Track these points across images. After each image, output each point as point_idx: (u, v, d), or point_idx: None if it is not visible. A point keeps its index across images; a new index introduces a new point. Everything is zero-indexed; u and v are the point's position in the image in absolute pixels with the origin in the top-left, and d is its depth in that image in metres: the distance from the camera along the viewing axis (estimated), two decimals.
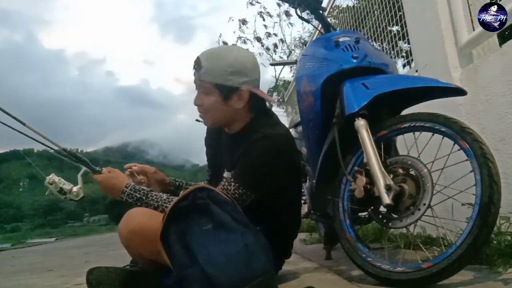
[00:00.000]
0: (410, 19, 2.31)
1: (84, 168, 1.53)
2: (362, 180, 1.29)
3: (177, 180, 1.80)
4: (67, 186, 1.49)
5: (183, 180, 1.83)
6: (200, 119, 1.70)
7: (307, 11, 1.75)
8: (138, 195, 1.44)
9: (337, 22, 3.94)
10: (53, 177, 1.48)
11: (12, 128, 1.42)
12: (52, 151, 1.52)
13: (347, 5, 3.77)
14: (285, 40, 10.86)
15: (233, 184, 1.40)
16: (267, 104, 1.68)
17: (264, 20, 10.83)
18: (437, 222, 1.27)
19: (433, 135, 1.32)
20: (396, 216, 1.26)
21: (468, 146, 1.17)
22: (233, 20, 10.98)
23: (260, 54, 10.60)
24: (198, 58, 1.49)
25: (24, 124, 1.42)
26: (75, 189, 1.50)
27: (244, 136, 1.49)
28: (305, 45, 8.03)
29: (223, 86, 1.46)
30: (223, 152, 1.61)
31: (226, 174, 1.50)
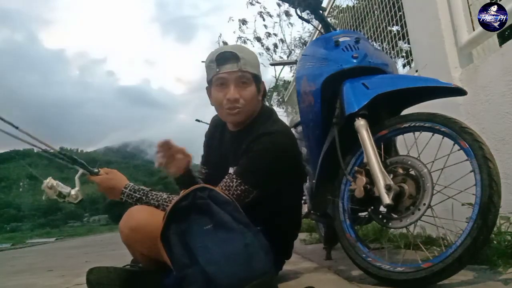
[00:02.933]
0: (410, 19, 2.31)
1: (81, 171, 1.51)
2: (362, 180, 1.29)
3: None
4: (65, 189, 1.47)
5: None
6: (200, 119, 1.69)
7: (307, 11, 1.75)
8: (138, 196, 1.44)
9: (337, 22, 3.94)
10: (50, 181, 1.45)
11: (6, 133, 1.39)
12: (47, 154, 1.50)
13: (347, 5, 3.77)
14: (285, 40, 10.87)
15: (235, 180, 1.40)
16: (267, 102, 1.69)
17: (264, 20, 10.84)
18: (437, 222, 1.27)
19: (433, 135, 1.32)
20: (396, 216, 1.26)
21: (468, 146, 1.17)
22: (233, 20, 11.00)
23: (260, 54, 10.61)
24: (231, 52, 1.46)
25: (17, 128, 1.39)
26: (73, 192, 1.48)
27: (247, 133, 1.51)
28: (305, 45, 8.03)
29: (258, 77, 1.53)
30: (226, 150, 1.61)
31: (231, 171, 1.50)
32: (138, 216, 1.36)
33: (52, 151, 1.49)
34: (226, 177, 1.43)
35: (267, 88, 1.67)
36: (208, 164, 1.75)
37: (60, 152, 1.50)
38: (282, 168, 1.44)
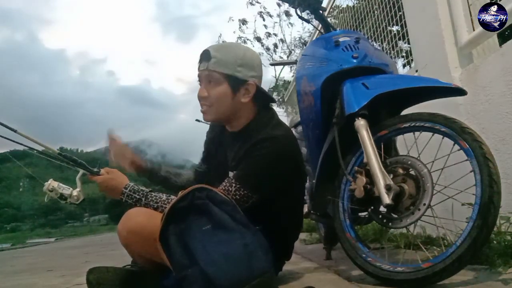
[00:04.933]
0: (410, 19, 2.31)
1: (82, 171, 1.51)
2: (362, 180, 1.29)
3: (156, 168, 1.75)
4: (66, 191, 1.47)
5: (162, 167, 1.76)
6: (200, 119, 1.70)
7: (307, 11, 1.75)
8: (138, 196, 1.44)
9: (337, 22, 3.94)
10: (51, 183, 1.45)
11: (4, 138, 1.38)
12: (47, 157, 1.50)
13: (347, 5, 3.77)
14: (285, 40, 10.87)
15: (234, 185, 1.39)
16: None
17: (264, 20, 10.85)
18: (437, 222, 1.27)
19: (433, 135, 1.32)
20: (396, 216, 1.26)
21: (468, 146, 1.17)
22: (233, 20, 11.01)
23: (260, 54, 10.61)
24: (206, 50, 1.49)
25: (15, 131, 1.39)
26: (75, 193, 1.48)
27: (247, 135, 1.48)
28: (305, 45, 8.03)
29: (233, 77, 1.47)
30: (225, 151, 1.60)
31: (230, 174, 1.48)
32: (136, 218, 1.36)
33: (52, 153, 1.49)
34: (226, 181, 1.43)
35: (267, 88, 1.66)
36: (206, 163, 1.75)
37: (60, 154, 1.50)
38: (282, 173, 1.43)
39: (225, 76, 1.46)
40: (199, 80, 1.53)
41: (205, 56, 1.48)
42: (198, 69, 1.51)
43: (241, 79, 1.47)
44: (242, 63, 1.47)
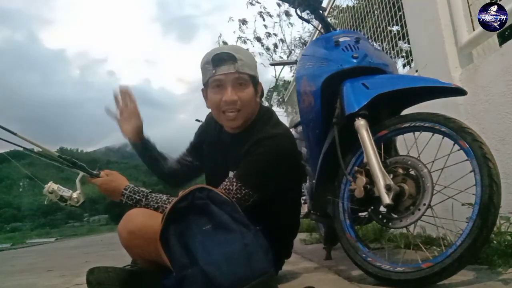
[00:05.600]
0: (410, 19, 2.31)
1: (81, 173, 1.51)
2: (362, 180, 1.29)
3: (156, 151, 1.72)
4: (66, 193, 1.47)
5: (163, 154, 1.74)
6: (200, 119, 1.69)
7: (307, 11, 1.75)
8: (138, 197, 1.44)
9: (337, 22, 3.94)
10: (51, 185, 1.46)
11: (5, 140, 1.39)
12: (47, 159, 1.51)
13: (347, 5, 3.77)
14: (285, 40, 10.88)
15: (235, 184, 1.40)
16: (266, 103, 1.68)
17: (264, 20, 10.87)
18: (437, 222, 1.27)
19: (433, 135, 1.32)
20: (396, 216, 1.26)
21: (468, 146, 1.17)
22: (233, 20, 11.03)
23: (260, 54, 10.61)
24: (228, 52, 1.43)
25: (15, 134, 1.40)
26: (75, 195, 1.48)
27: (247, 135, 1.49)
28: (305, 45, 8.03)
29: (255, 78, 1.50)
30: (225, 151, 1.59)
31: (230, 174, 1.49)
32: (136, 219, 1.36)
33: (52, 155, 1.49)
34: (226, 180, 1.43)
35: (267, 88, 1.68)
36: (191, 155, 1.75)
37: (60, 156, 1.50)
38: (282, 171, 1.44)
39: (251, 77, 1.48)
40: (220, 84, 1.45)
41: (229, 58, 1.42)
42: (217, 72, 1.43)
43: (257, 79, 1.53)
44: (256, 64, 1.53)
